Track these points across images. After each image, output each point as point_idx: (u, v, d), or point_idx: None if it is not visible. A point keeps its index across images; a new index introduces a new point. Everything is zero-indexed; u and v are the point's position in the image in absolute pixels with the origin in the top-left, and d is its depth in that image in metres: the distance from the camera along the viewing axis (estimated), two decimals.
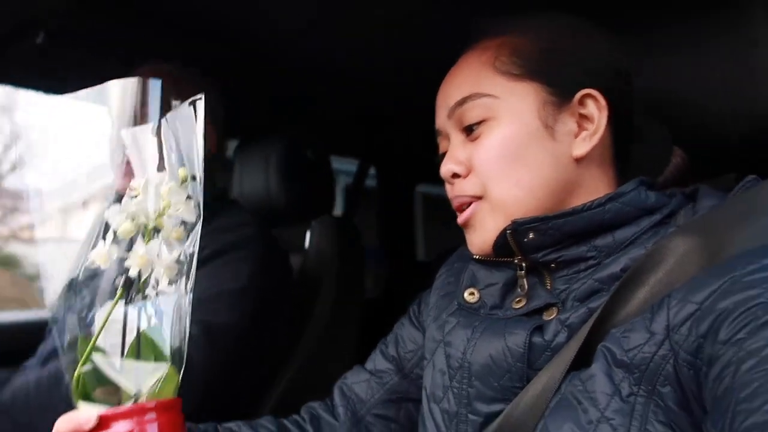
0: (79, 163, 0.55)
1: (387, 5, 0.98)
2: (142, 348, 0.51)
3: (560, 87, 0.65)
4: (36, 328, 1.14)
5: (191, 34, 1.04)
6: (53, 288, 0.52)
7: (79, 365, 0.51)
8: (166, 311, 0.51)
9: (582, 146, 0.65)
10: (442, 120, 0.71)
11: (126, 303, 0.51)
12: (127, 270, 0.50)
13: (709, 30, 0.71)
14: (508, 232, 0.64)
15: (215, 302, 1.01)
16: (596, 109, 0.65)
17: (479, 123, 0.66)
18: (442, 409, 0.67)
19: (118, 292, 0.50)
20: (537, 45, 0.66)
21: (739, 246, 0.52)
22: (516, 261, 0.67)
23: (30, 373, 0.95)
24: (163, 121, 0.53)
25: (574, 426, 0.53)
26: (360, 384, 0.82)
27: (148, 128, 0.52)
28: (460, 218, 0.69)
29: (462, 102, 0.67)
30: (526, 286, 0.66)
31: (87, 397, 0.52)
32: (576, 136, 0.65)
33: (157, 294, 0.50)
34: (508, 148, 0.64)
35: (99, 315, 0.51)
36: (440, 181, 0.72)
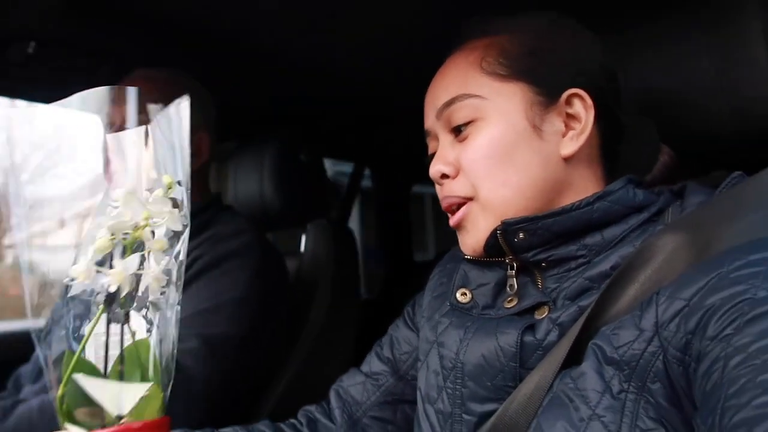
0: (79, 172, 0.54)
1: (382, 7, 0.98)
2: (126, 366, 0.49)
3: (547, 87, 0.65)
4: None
5: (185, 36, 1.04)
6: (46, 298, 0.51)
7: (62, 385, 0.49)
8: (154, 325, 0.49)
9: (570, 146, 0.65)
10: (430, 121, 0.71)
11: (108, 320, 0.49)
12: (107, 286, 0.48)
13: (696, 26, 0.70)
14: (498, 232, 0.64)
15: (215, 314, 1.02)
16: (583, 109, 0.65)
17: (467, 124, 0.66)
18: (437, 409, 0.67)
19: (99, 308, 0.48)
20: (523, 45, 0.66)
21: (726, 242, 0.53)
22: (507, 261, 0.68)
23: (33, 400, 0.95)
24: (149, 126, 0.52)
25: (566, 424, 0.53)
26: (356, 386, 0.82)
27: (132, 133, 0.51)
28: (452, 220, 0.69)
29: (450, 103, 0.67)
30: (516, 286, 0.67)
31: (73, 418, 0.50)
32: (563, 135, 0.65)
33: (146, 307, 0.49)
34: (496, 149, 0.65)
35: (86, 330, 0.49)
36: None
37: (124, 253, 0.48)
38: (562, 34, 0.67)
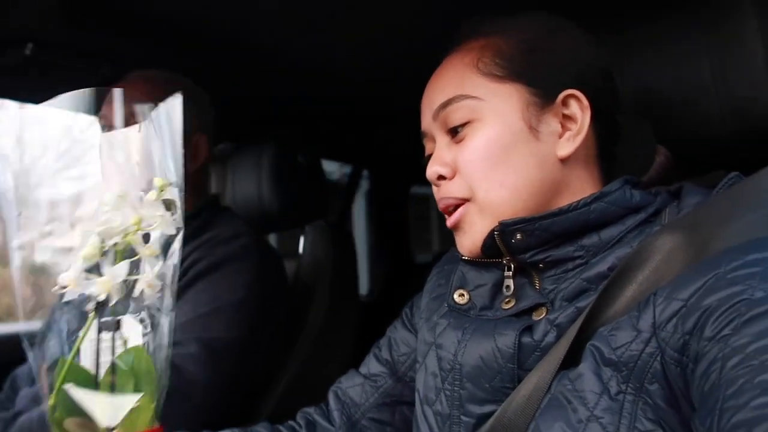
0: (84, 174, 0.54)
1: (382, 7, 0.98)
2: (119, 374, 0.49)
3: (543, 88, 0.65)
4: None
5: (184, 36, 1.03)
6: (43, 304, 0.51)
7: (53, 395, 0.48)
8: (149, 330, 0.49)
9: (566, 146, 0.65)
10: (427, 122, 0.71)
11: (99, 328, 0.48)
12: (96, 294, 0.47)
13: (696, 26, 0.70)
14: (495, 233, 0.64)
15: (215, 318, 1.02)
16: (579, 110, 0.65)
17: (464, 125, 0.66)
18: (435, 411, 0.67)
19: (90, 317, 0.48)
20: (519, 46, 0.66)
21: (723, 242, 0.52)
22: (504, 262, 0.67)
23: (34, 411, 0.95)
24: (141, 126, 0.51)
25: (564, 426, 0.53)
26: (354, 388, 0.82)
27: (123, 133, 0.51)
28: (450, 221, 0.69)
29: (446, 104, 0.67)
30: (513, 287, 0.66)
31: (64, 429, 0.49)
32: (560, 136, 0.65)
33: (143, 310, 0.48)
34: (493, 150, 0.65)
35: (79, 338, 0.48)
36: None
37: (115, 260, 0.47)
38: (559, 34, 0.67)
